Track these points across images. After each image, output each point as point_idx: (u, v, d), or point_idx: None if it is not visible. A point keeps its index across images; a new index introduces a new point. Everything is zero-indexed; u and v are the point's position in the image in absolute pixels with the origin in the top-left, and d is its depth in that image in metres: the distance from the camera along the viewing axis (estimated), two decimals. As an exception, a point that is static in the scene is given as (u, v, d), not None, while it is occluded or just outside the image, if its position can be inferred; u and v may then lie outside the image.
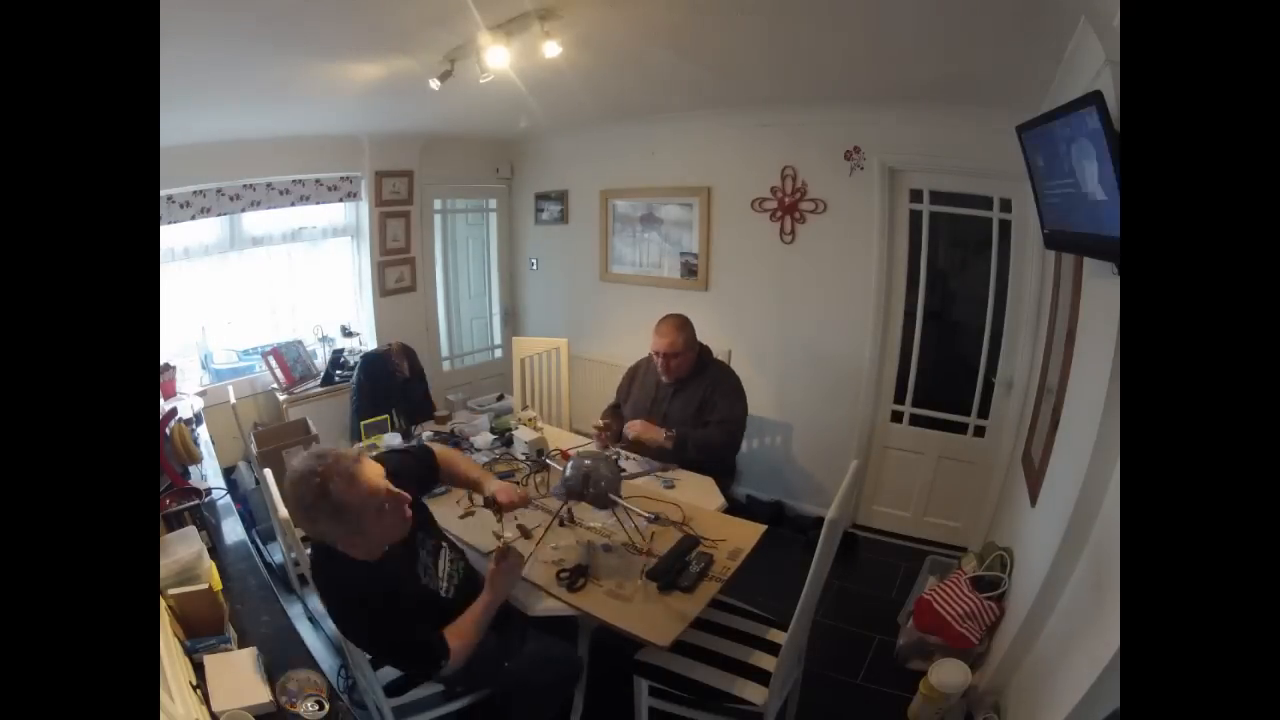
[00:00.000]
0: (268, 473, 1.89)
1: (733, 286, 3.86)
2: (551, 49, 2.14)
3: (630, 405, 2.95)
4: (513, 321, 5.20)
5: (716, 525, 2.17)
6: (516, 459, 2.68)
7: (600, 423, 2.83)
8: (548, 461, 2.52)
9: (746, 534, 2.12)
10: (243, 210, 3.74)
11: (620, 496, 2.02)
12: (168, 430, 2.62)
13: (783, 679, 1.85)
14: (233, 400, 3.07)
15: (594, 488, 2.00)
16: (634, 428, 2.68)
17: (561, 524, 2.18)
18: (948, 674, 2.13)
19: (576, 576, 1.90)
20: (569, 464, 2.09)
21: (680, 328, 2.76)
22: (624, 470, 2.44)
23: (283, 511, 1.68)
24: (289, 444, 3.16)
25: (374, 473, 1.47)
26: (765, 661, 1.91)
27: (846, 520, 3.45)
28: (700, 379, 2.79)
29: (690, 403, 2.75)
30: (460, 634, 1.63)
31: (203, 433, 2.97)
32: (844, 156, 3.30)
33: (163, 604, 1.49)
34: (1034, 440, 2.52)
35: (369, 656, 1.73)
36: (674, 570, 1.87)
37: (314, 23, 2.04)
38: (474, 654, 1.67)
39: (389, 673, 1.81)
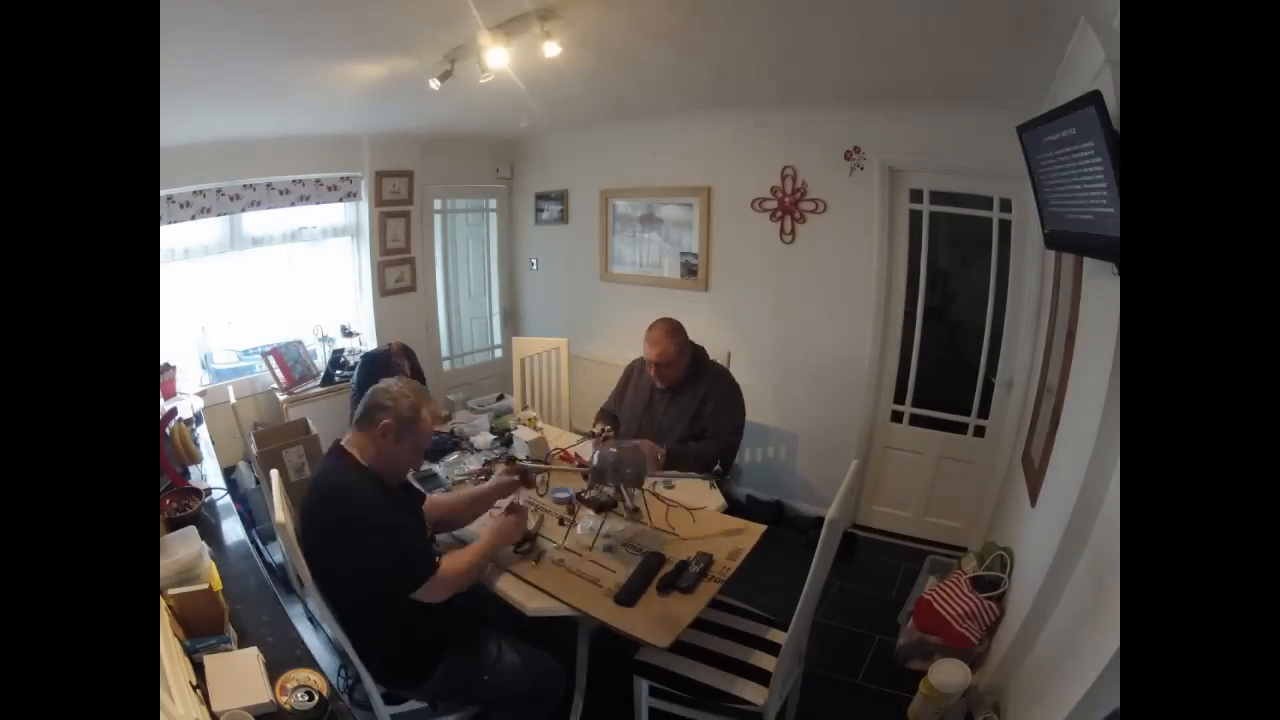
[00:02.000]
0: (274, 474, 1.89)
1: (733, 286, 3.86)
2: (551, 49, 2.14)
3: (625, 410, 2.92)
4: (513, 321, 5.20)
5: (716, 525, 2.17)
6: (516, 459, 2.67)
7: (598, 429, 2.78)
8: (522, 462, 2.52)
9: (746, 534, 2.12)
10: (243, 210, 3.74)
11: (641, 489, 2.11)
12: (168, 430, 2.62)
13: (782, 679, 1.85)
14: (233, 400, 3.05)
15: (620, 477, 2.04)
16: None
17: (561, 522, 2.18)
18: (948, 674, 2.13)
19: (524, 541, 2.02)
20: (596, 453, 2.13)
21: (670, 334, 2.69)
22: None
23: (280, 516, 1.67)
24: (289, 444, 3.16)
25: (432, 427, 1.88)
26: (765, 661, 1.91)
27: (846, 520, 3.46)
28: (695, 385, 2.74)
29: (685, 410, 2.71)
30: (453, 561, 1.78)
31: (203, 433, 2.97)
32: (844, 156, 3.30)
33: (163, 604, 1.49)
34: (1034, 440, 2.52)
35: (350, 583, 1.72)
36: (642, 588, 1.85)
37: (314, 23, 2.04)
38: (451, 667, 1.78)
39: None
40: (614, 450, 2.08)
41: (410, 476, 2.50)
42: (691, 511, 2.20)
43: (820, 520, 1.69)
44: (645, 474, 2.10)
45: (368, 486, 1.73)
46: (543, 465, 2.42)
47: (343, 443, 1.79)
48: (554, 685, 1.90)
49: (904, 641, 2.51)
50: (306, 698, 1.34)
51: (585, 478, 2.19)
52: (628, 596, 1.81)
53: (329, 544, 1.68)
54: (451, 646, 1.80)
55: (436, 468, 2.62)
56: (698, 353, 2.81)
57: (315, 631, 2.55)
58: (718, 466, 2.36)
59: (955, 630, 2.26)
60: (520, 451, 2.70)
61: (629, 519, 2.17)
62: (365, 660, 1.73)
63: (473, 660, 1.83)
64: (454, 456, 2.74)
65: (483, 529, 1.96)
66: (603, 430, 2.74)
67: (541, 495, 2.37)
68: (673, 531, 2.10)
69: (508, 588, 1.90)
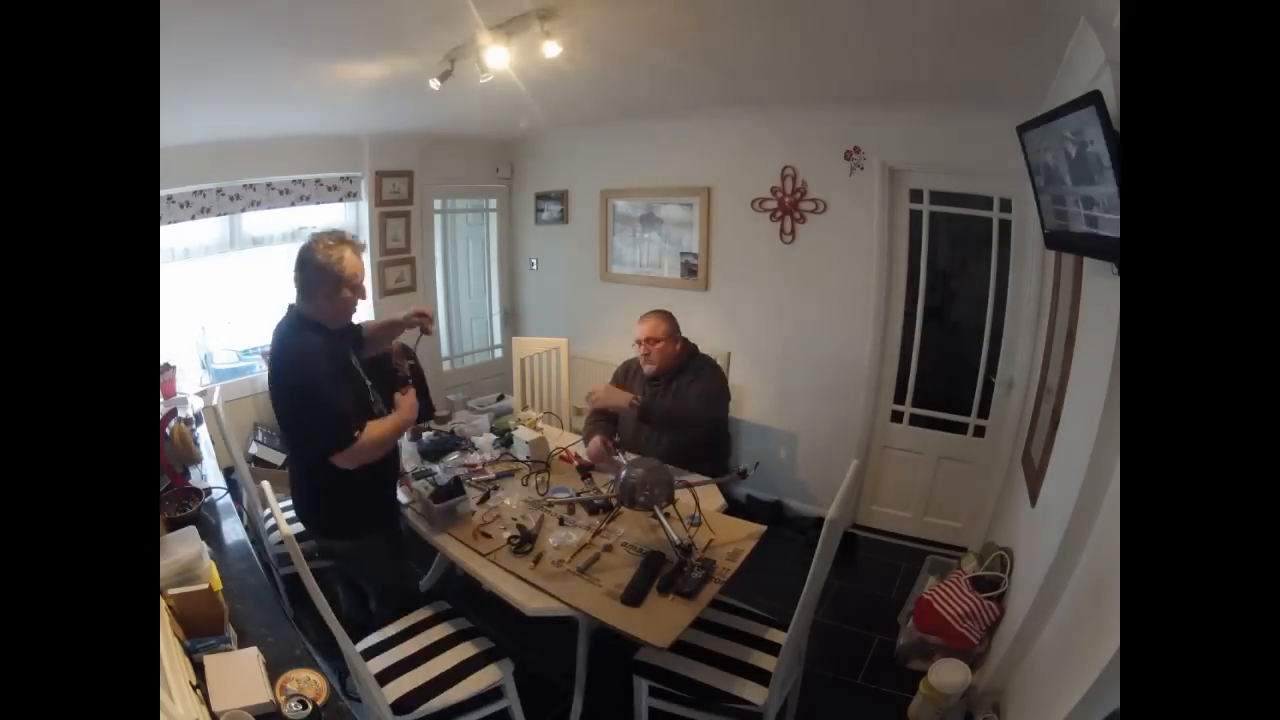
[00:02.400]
0: (265, 485, 1.87)
1: (733, 286, 3.86)
2: (551, 49, 2.14)
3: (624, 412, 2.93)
4: (513, 321, 5.20)
5: (716, 526, 2.17)
6: (517, 459, 2.67)
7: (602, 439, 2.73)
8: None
9: (746, 535, 2.12)
10: (243, 210, 3.74)
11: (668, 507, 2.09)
12: (167, 430, 2.62)
13: (783, 678, 1.85)
14: (216, 403, 2.89)
15: (648, 496, 2.04)
16: (597, 391, 2.73)
17: (562, 523, 2.18)
18: (948, 674, 2.13)
19: (524, 541, 2.05)
20: (623, 471, 2.13)
21: (664, 317, 2.78)
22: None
23: (284, 529, 1.64)
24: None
25: (361, 263, 1.99)
26: (765, 661, 1.91)
27: (847, 520, 3.46)
28: (684, 375, 2.77)
29: (676, 400, 2.73)
30: (372, 431, 1.91)
31: (202, 433, 2.96)
32: (844, 156, 3.30)
33: (163, 604, 1.49)
34: (1034, 440, 2.52)
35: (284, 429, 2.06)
36: (646, 589, 1.85)
37: (314, 22, 2.04)
38: (368, 539, 2.06)
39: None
40: (640, 470, 2.08)
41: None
42: (709, 525, 2.16)
43: (820, 520, 1.69)
44: (674, 489, 2.09)
45: (312, 342, 1.90)
46: None
47: (294, 303, 1.99)
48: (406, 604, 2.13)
49: (904, 641, 2.50)
50: (300, 706, 1.34)
51: (613, 501, 2.20)
52: (633, 597, 1.80)
53: (277, 402, 1.97)
54: (385, 522, 2.13)
55: (435, 468, 2.61)
56: (690, 347, 2.85)
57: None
58: (744, 466, 2.38)
59: (955, 630, 2.26)
60: (521, 452, 2.70)
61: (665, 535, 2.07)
62: (304, 518, 2.08)
63: (382, 546, 2.11)
64: (454, 456, 2.74)
65: (395, 406, 2.09)
66: (603, 441, 2.69)
67: (542, 494, 2.37)
68: (691, 540, 2.05)
69: (508, 588, 1.90)
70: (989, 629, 2.26)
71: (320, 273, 1.90)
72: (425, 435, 2.86)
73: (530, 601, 1.84)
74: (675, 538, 1.98)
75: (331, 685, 1.45)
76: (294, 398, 1.90)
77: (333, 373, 1.89)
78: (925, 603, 2.40)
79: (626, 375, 2.98)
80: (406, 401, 2.09)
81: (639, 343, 2.78)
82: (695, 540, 2.04)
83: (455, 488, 2.25)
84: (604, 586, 1.87)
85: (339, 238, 1.94)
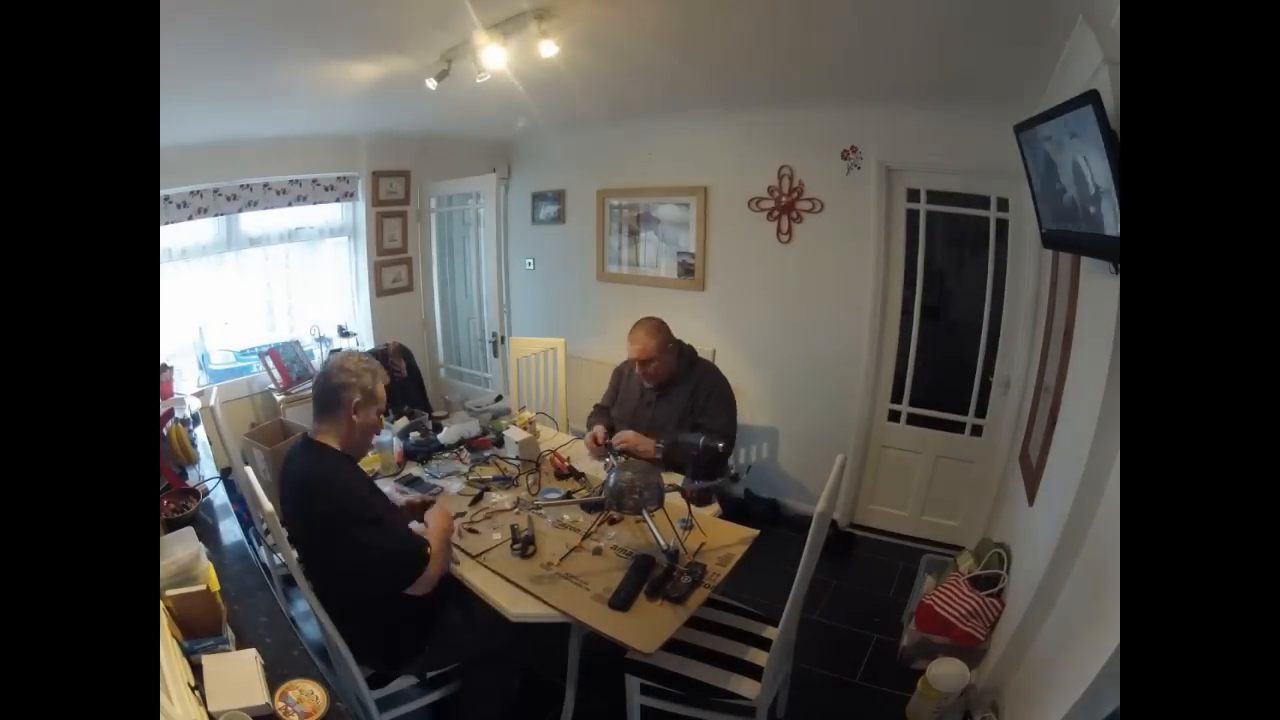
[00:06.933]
0: (249, 470, 1.87)
1: (730, 286, 3.86)
2: (548, 48, 2.14)
3: (618, 408, 2.91)
4: (508, 321, 5.18)
5: (708, 529, 2.15)
6: (509, 461, 2.66)
7: (597, 432, 2.73)
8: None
9: (738, 539, 2.10)
10: (239, 210, 3.73)
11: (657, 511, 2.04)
12: (164, 431, 2.62)
13: (774, 672, 1.85)
14: (214, 403, 2.88)
15: (631, 501, 2.00)
16: (625, 440, 2.60)
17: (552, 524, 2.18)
18: (946, 672, 2.13)
19: (526, 544, 2.01)
20: (611, 474, 2.09)
21: (651, 332, 2.68)
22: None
23: (267, 506, 1.66)
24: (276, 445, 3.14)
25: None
26: (760, 657, 1.91)
27: (837, 513, 3.46)
28: (686, 381, 2.72)
29: (676, 405, 2.69)
30: (432, 551, 1.81)
31: (200, 433, 2.95)
32: (841, 156, 3.30)
33: (161, 605, 1.48)
34: (1031, 439, 2.53)
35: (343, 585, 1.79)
36: (635, 593, 1.83)
37: (311, 23, 2.04)
38: (438, 631, 1.87)
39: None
40: (629, 473, 2.05)
41: (394, 481, 2.50)
42: (701, 528, 2.14)
43: (819, 520, 1.68)
44: (663, 493, 2.05)
45: (349, 474, 1.81)
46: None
47: (312, 435, 1.83)
48: (517, 640, 1.96)
49: (908, 642, 2.50)
50: (299, 713, 1.33)
51: (602, 504, 2.16)
52: (621, 601, 1.78)
53: (319, 540, 1.75)
54: (436, 617, 1.88)
55: (421, 472, 2.60)
56: (686, 350, 2.80)
57: (314, 629, 2.54)
58: (734, 470, 2.33)
59: (960, 629, 2.26)
60: (510, 451, 2.69)
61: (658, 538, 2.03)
62: (355, 646, 1.78)
63: (462, 620, 1.92)
64: (447, 456, 2.73)
65: (428, 526, 1.99)
66: (604, 443, 2.66)
67: (533, 495, 2.36)
68: (682, 545, 2.03)
69: (492, 591, 1.86)
70: (993, 624, 2.26)
71: (356, 383, 1.81)
72: (412, 436, 2.83)
73: (513, 606, 1.80)
74: (662, 542, 1.95)
75: (332, 695, 1.44)
76: (344, 535, 1.71)
77: (375, 503, 1.85)
78: (927, 608, 2.40)
79: (620, 381, 2.96)
80: (435, 519, 2.00)
81: (635, 363, 2.73)
82: (687, 544, 2.03)
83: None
84: (592, 590, 1.84)
85: (373, 362, 1.92)
